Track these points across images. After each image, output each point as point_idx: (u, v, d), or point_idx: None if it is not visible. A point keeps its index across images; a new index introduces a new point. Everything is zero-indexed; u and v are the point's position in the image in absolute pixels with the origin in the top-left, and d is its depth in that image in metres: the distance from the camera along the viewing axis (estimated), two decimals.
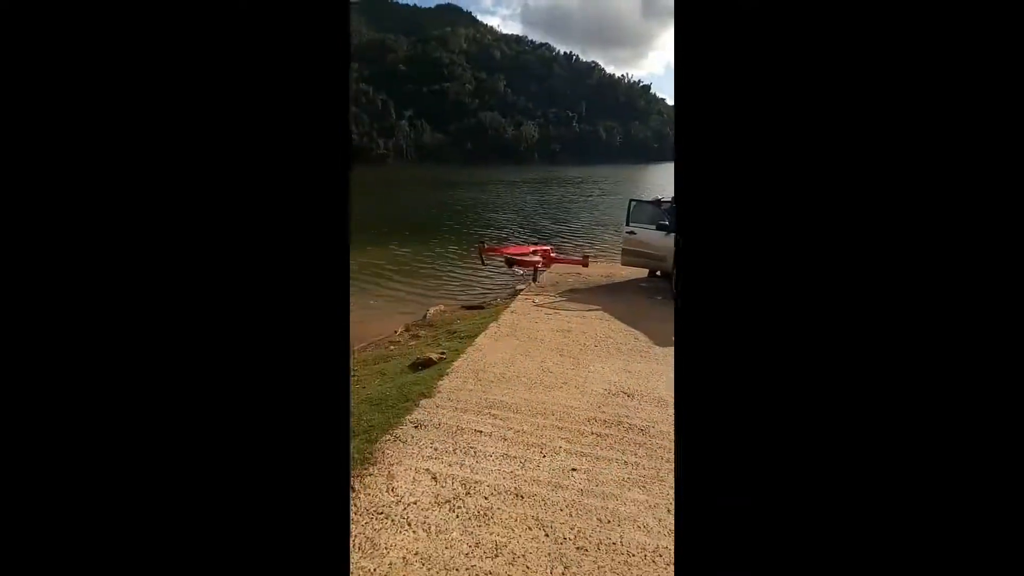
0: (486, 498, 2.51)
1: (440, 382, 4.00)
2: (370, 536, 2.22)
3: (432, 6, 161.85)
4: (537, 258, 8.75)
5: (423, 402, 3.61)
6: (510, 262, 9.03)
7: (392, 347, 5.93)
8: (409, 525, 2.29)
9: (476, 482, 2.63)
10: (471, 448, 2.98)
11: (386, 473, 2.70)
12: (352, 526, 2.30)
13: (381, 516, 2.35)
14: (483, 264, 10.13)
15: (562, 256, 9.80)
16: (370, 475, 2.69)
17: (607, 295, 7.18)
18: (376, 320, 8.00)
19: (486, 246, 10.22)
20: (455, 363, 4.45)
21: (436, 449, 2.97)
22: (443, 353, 4.75)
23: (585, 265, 8.92)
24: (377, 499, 2.47)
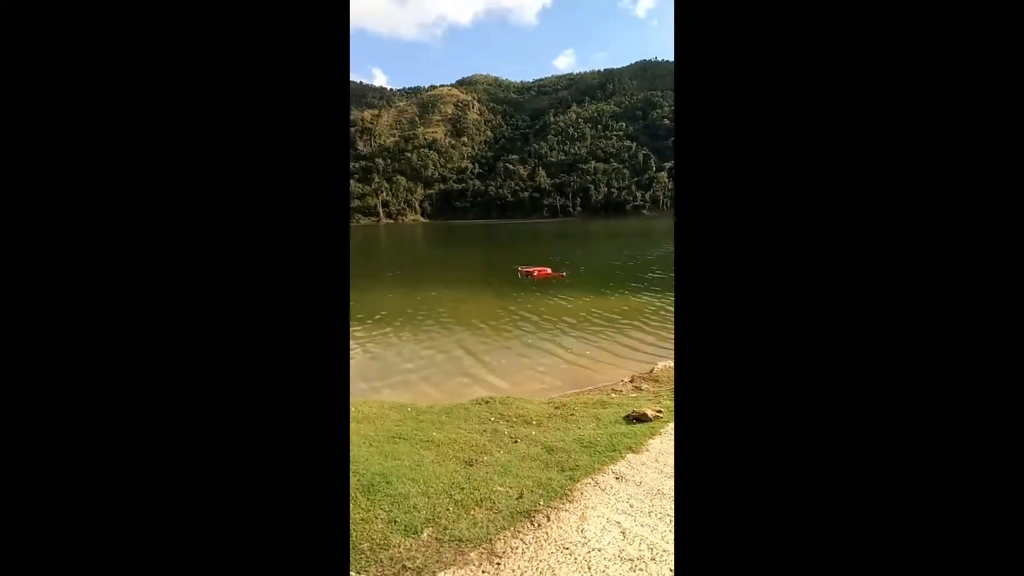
0: (671, 570, 2.40)
1: (651, 440, 3.95)
2: (552, 566, 2.42)
3: None
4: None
5: (629, 456, 3.65)
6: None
7: (613, 395, 6.07)
8: (589, 568, 2.40)
9: (665, 551, 2.55)
10: (668, 516, 2.88)
11: (579, 514, 2.87)
12: (536, 551, 2.55)
13: (565, 551, 2.53)
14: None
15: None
16: (565, 511, 2.90)
17: None
18: (607, 368, 8.31)
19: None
20: (670, 424, 4.31)
21: (632, 506, 2.98)
22: (660, 411, 4.66)
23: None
24: (566, 535, 2.66)
